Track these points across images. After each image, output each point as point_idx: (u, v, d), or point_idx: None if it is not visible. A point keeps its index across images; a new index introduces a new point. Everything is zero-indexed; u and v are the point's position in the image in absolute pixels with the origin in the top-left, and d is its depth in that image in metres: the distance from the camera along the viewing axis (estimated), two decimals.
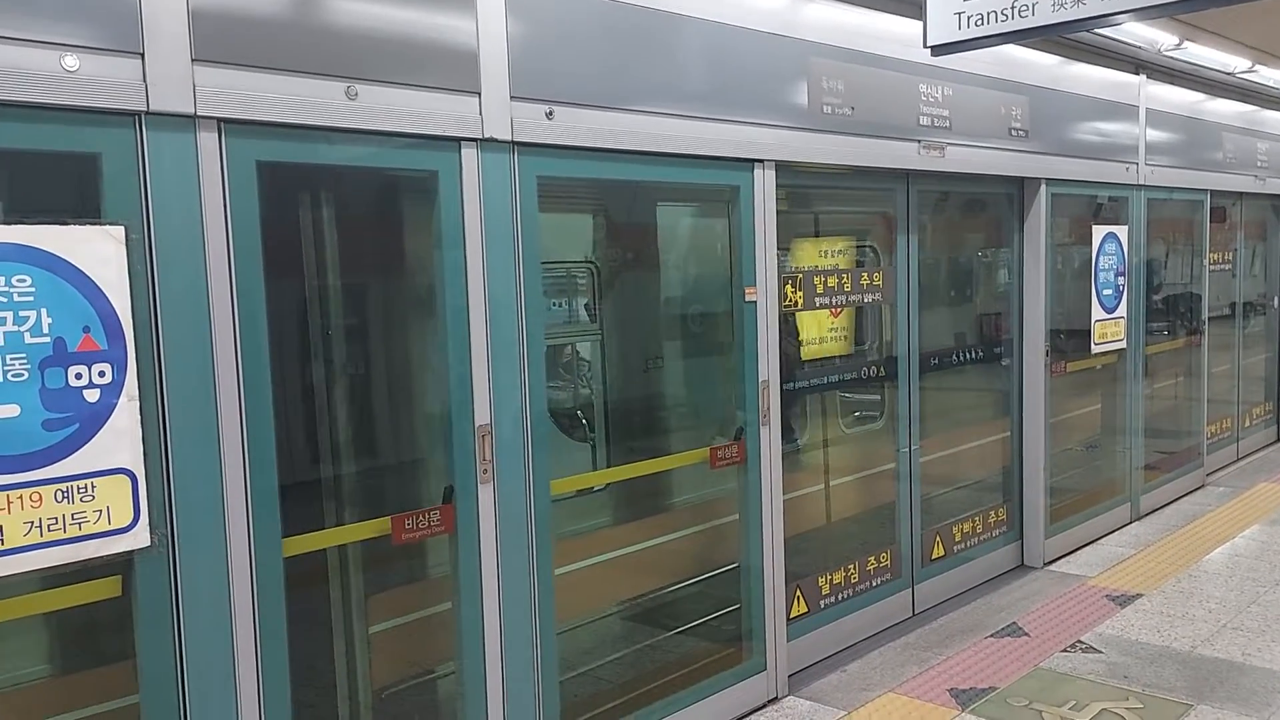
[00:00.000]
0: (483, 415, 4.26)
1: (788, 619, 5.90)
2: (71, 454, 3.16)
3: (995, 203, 7.90)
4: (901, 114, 6.35)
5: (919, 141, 6.48)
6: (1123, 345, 8.85)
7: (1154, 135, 9.03)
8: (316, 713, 4.72)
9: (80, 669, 4.22)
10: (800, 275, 5.96)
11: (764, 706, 5.65)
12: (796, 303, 5.91)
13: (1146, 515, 9.29)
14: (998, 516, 7.85)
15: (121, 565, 3.34)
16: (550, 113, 4.45)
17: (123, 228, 3.23)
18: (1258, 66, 9.51)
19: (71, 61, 3.13)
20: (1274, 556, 7.85)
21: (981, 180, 7.41)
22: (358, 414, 4.94)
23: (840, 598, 6.46)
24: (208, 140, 3.42)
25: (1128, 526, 9.00)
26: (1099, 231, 8.44)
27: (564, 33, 4.53)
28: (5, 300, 3.01)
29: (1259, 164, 11.09)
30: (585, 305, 6.47)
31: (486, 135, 4.20)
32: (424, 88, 4.00)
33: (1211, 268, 10.66)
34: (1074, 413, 8.99)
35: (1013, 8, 5.30)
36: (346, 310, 4.83)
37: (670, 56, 4.98)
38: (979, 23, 5.46)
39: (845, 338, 6.94)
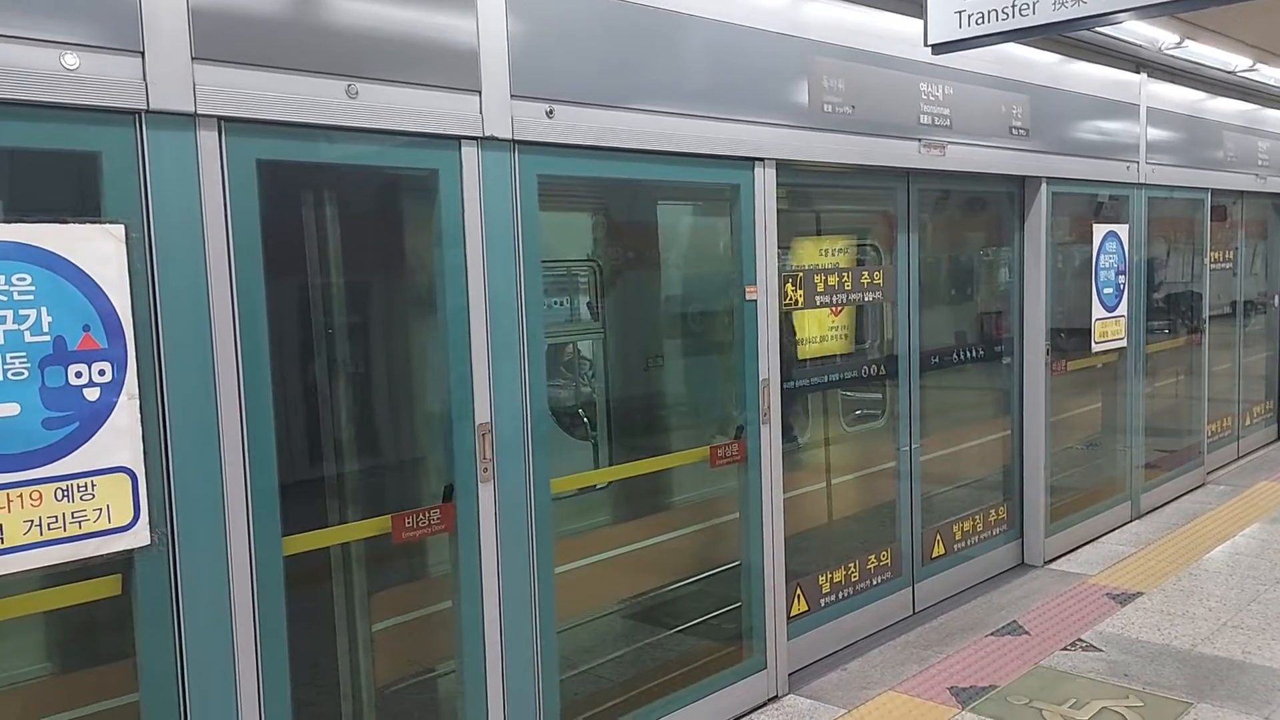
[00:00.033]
0: (483, 414, 4.26)
1: (788, 617, 5.90)
2: (71, 452, 3.16)
3: (996, 201, 7.90)
4: (902, 113, 6.35)
5: (920, 140, 6.48)
6: (1123, 344, 8.85)
7: (1155, 134, 9.03)
8: (317, 711, 4.72)
9: (80, 667, 4.22)
10: (801, 274, 5.96)
11: (764, 705, 5.65)
12: (797, 301, 5.91)
13: (1147, 514, 9.29)
14: (998, 515, 7.85)
15: (121, 564, 3.34)
16: (550, 111, 4.45)
17: (123, 226, 3.23)
18: (1258, 65, 9.51)
19: (71, 60, 3.13)
20: (1274, 555, 7.85)
21: (982, 179, 7.41)
22: (358, 412, 4.94)
23: (840, 596, 6.46)
24: (208, 139, 3.42)
25: (1128, 525, 9.00)
26: (1100, 230, 8.44)
27: (564, 31, 4.53)
28: (5, 299, 3.01)
29: (1260, 162, 11.08)
30: (588, 304, 6.47)
31: (487, 134, 4.20)
32: (424, 86, 4.00)
33: (1212, 266, 10.66)
34: (1074, 411, 8.99)
35: (1013, 6, 5.30)
36: (347, 309, 4.83)
37: (671, 55, 4.98)
38: (979, 21, 5.46)
39: (846, 336, 6.93)
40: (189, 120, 3.37)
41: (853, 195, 7.03)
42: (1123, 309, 8.74)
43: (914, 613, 7.02)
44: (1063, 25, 5.32)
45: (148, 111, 3.27)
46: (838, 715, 5.47)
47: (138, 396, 3.27)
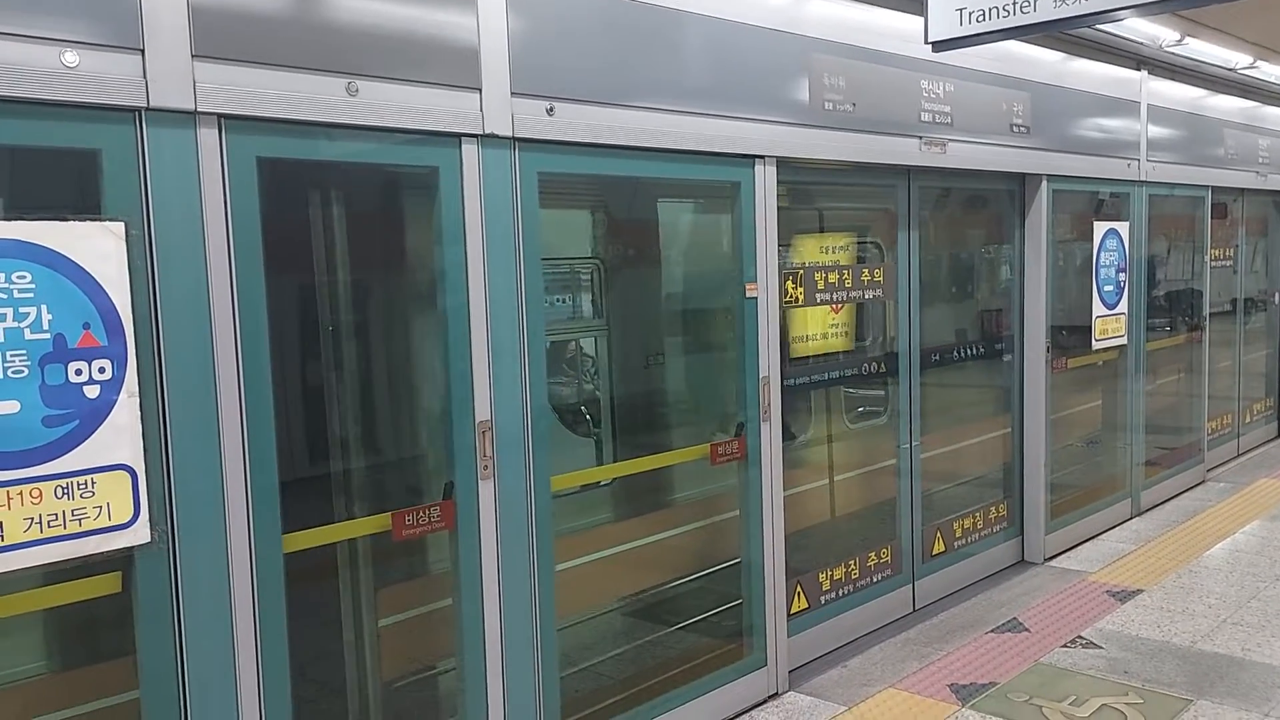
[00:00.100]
0: (483, 411, 4.26)
1: (788, 615, 5.90)
2: (71, 450, 3.16)
3: (997, 199, 7.90)
4: (903, 110, 6.34)
5: (920, 138, 6.47)
6: (1124, 341, 8.85)
7: (1155, 131, 9.02)
8: (319, 708, 4.73)
9: (81, 665, 4.22)
10: (801, 271, 5.96)
11: (765, 702, 5.65)
12: (797, 299, 5.91)
13: (1147, 511, 9.29)
14: (998, 512, 7.85)
15: (122, 561, 3.34)
16: (551, 109, 4.45)
17: (123, 224, 3.23)
18: (1259, 62, 9.51)
19: (72, 57, 3.13)
20: (1274, 552, 7.85)
21: (983, 176, 7.41)
22: (358, 410, 4.94)
23: (841, 593, 6.47)
24: (208, 136, 3.42)
25: (1128, 522, 9.00)
26: (1100, 227, 8.44)
27: (565, 29, 4.52)
28: (5, 296, 3.01)
29: (1260, 160, 11.08)
30: (591, 301, 6.47)
31: (487, 131, 4.20)
32: (425, 84, 4.00)
33: (1212, 264, 10.65)
34: (1075, 409, 8.99)
35: (1014, 4, 5.30)
36: (347, 306, 4.83)
37: (671, 52, 4.98)
38: (980, 19, 5.45)
39: (846, 334, 6.93)
40: (189, 118, 3.37)
41: (853, 193, 7.03)
42: (1123, 306, 8.74)
43: (914, 610, 7.03)
44: (1063, 22, 5.32)
45: (148, 109, 3.27)
46: (838, 712, 5.48)
47: (138, 394, 3.27)
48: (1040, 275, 7.82)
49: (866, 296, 6.51)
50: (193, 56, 3.37)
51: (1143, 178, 8.91)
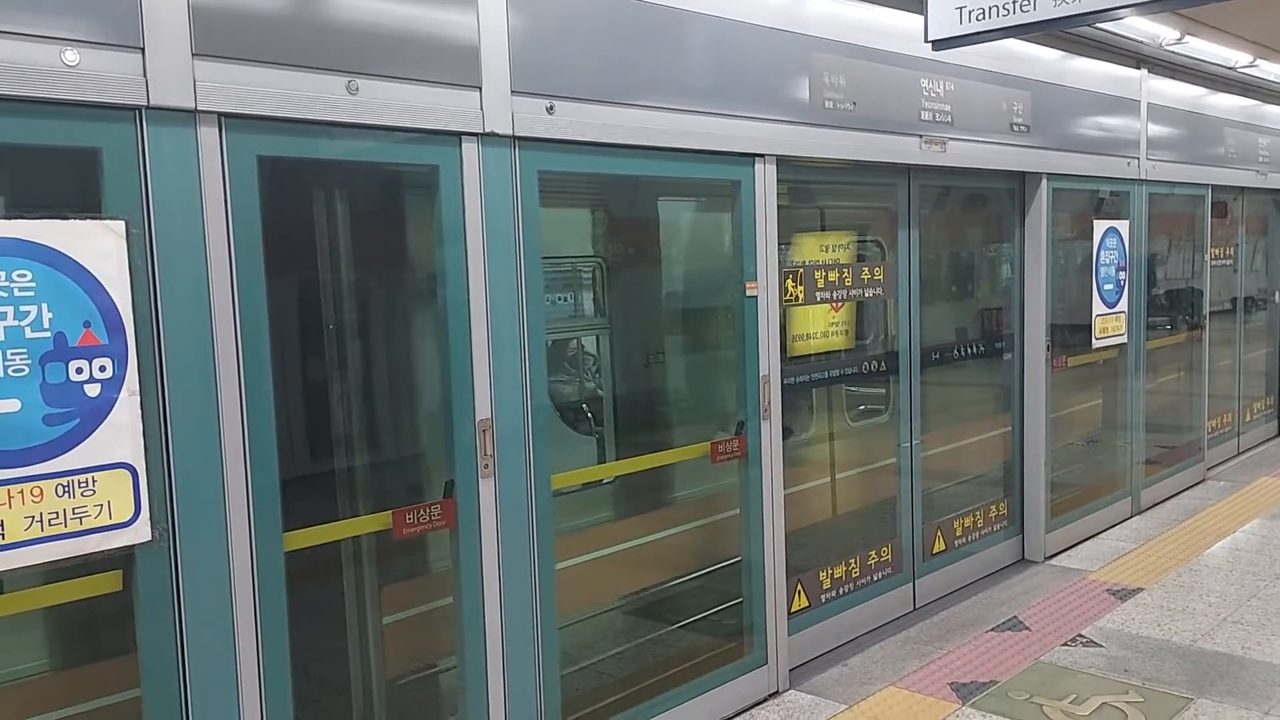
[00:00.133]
0: (483, 410, 4.26)
1: (789, 613, 5.90)
2: (72, 449, 3.16)
3: (997, 197, 7.90)
4: (903, 109, 6.34)
5: (920, 136, 6.48)
6: (1124, 340, 8.85)
7: (1155, 130, 9.02)
8: (321, 707, 4.73)
9: (82, 663, 4.23)
10: (801, 270, 5.96)
11: (765, 700, 5.66)
12: (797, 297, 5.91)
13: (1147, 510, 9.29)
14: (999, 511, 7.85)
15: (122, 560, 3.34)
16: (551, 107, 4.45)
17: (123, 222, 3.23)
18: (1259, 61, 9.51)
19: (72, 56, 3.13)
20: (1274, 551, 7.86)
21: (983, 175, 7.41)
22: (359, 408, 4.94)
23: (841, 592, 6.47)
24: (208, 135, 3.42)
25: (1128, 521, 9.00)
26: (1100, 226, 8.44)
27: (565, 27, 4.52)
28: (6, 295, 3.01)
29: (1260, 159, 11.08)
30: (593, 299, 6.47)
31: (487, 130, 4.20)
32: (425, 82, 4.00)
33: (1213, 263, 10.65)
34: (1075, 407, 8.99)
35: (1014, 2, 5.30)
36: (348, 305, 4.84)
37: (671, 51, 4.98)
38: (980, 17, 5.46)
39: (846, 332, 6.93)
40: (189, 116, 3.37)
41: (854, 191, 7.03)
42: (1123, 305, 8.74)
43: (915, 608, 7.03)
44: (1063, 21, 5.32)
45: (148, 108, 3.27)
46: (838, 711, 5.48)
47: (138, 393, 3.27)
48: (1040, 274, 7.82)
49: (866, 295, 6.51)
50: (193, 55, 3.37)
51: (1143, 176, 8.91)
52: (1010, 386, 8.03)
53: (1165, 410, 10.11)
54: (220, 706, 3.55)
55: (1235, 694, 5.46)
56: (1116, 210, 8.75)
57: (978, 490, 7.94)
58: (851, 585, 6.55)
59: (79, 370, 3.15)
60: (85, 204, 3.24)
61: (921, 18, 5.69)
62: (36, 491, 3.10)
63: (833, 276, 6.17)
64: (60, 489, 3.14)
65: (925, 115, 6.49)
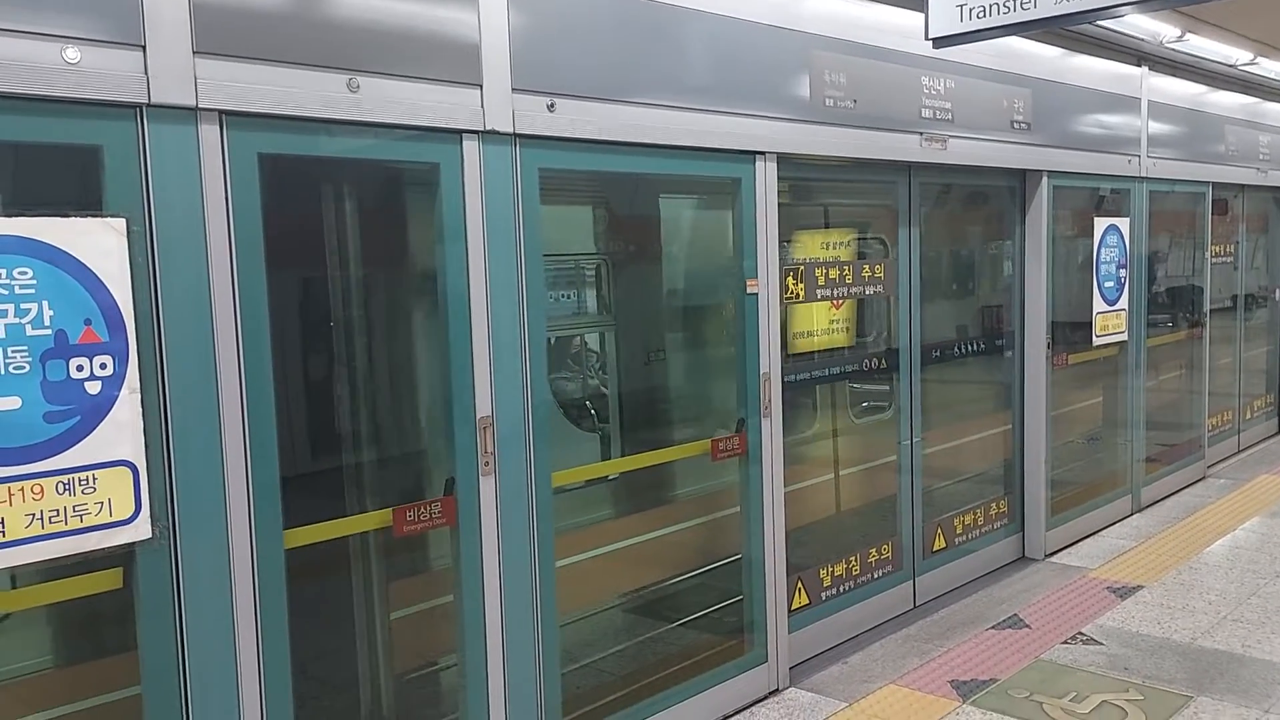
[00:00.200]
0: (484, 407, 4.26)
1: (789, 611, 5.91)
2: (73, 446, 3.16)
3: (997, 195, 7.90)
4: (903, 106, 6.34)
5: (921, 134, 6.47)
6: (1124, 337, 8.84)
7: (1156, 127, 9.02)
8: (321, 705, 4.74)
9: (82, 661, 4.23)
10: (802, 267, 5.95)
11: (765, 698, 5.66)
12: (798, 295, 5.91)
13: (1147, 507, 9.29)
14: (999, 509, 7.85)
15: (123, 557, 3.34)
16: (552, 105, 4.45)
17: (124, 220, 3.23)
18: (1259, 59, 9.51)
19: (73, 54, 3.13)
20: (1274, 549, 7.86)
21: (984, 173, 7.41)
22: (359, 406, 4.94)
23: (841, 590, 6.47)
24: (209, 132, 3.42)
25: (1129, 518, 9.00)
26: (1101, 224, 8.43)
27: (566, 25, 4.52)
28: (6, 292, 3.01)
29: (1261, 156, 11.07)
30: (598, 296, 6.47)
31: (488, 127, 4.20)
32: (425, 80, 4.00)
33: (1213, 260, 10.65)
34: (1075, 405, 8.99)
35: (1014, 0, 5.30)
36: (349, 302, 4.84)
37: (672, 49, 4.97)
38: (981, 15, 5.45)
39: (847, 330, 6.94)
40: (190, 114, 3.37)
41: (854, 189, 7.03)
42: (1124, 303, 8.74)
43: (915, 606, 7.03)
44: (1064, 19, 5.32)
45: (149, 105, 3.27)
46: (838, 708, 5.48)
47: (139, 390, 3.27)
48: (1041, 271, 7.82)
49: (867, 292, 6.51)
50: (194, 53, 3.37)
51: (1143, 174, 8.90)
52: (1011, 384, 8.03)
53: (1166, 408, 10.11)
54: (220, 704, 3.55)
55: (1235, 692, 5.46)
56: (1117, 208, 8.75)
57: (978, 488, 7.94)
58: (852, 583, 6.55)
59: (80, 368, 3.15)
60: (86, 201, 3.24)
61: (922, 15, 5.69)
62: (37, 489, 3.10)
63: (833, 274, 6.17)
64: (61, 486, 3.14)
65: (926, 113, 6.49)
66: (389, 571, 4.95)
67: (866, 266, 6.47)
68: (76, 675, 4.20)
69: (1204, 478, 10.35)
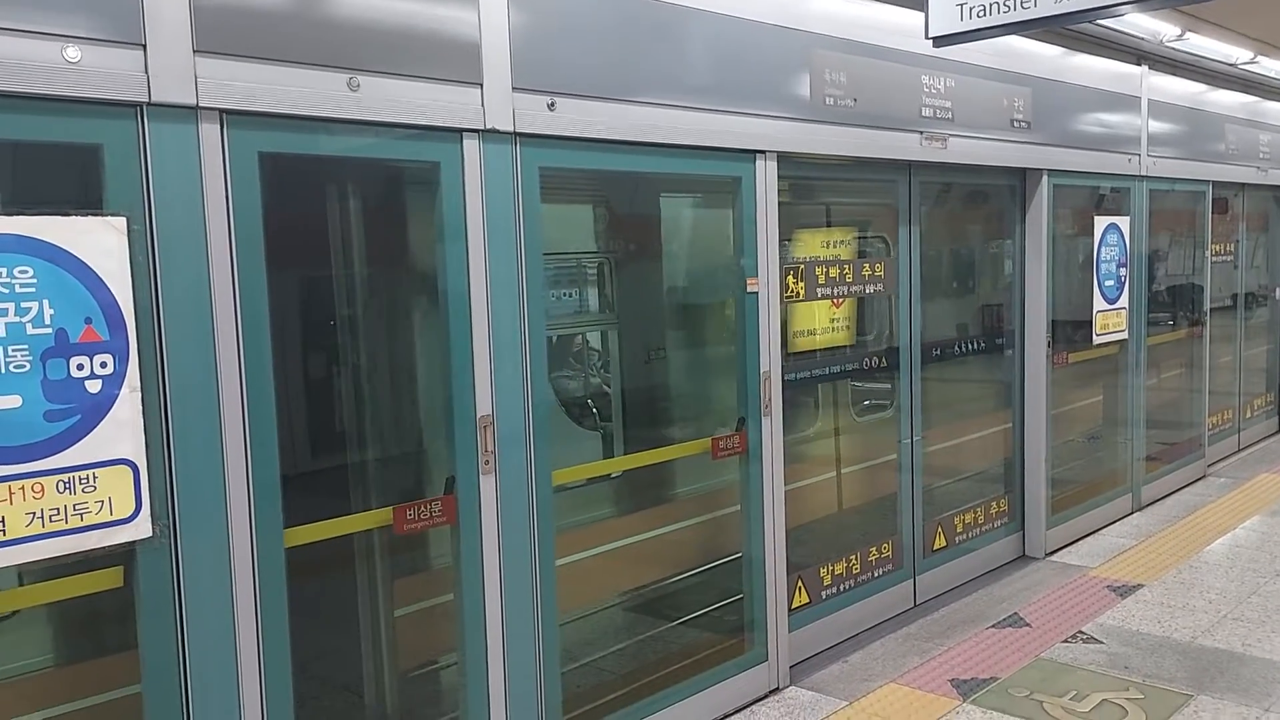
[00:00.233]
0: (484, 406, 4.26)
1: (789, 609, 5.91)
2: (73, 445, 3.16)
3: (997, 194, 7.90)
4: (904, 105, 6.34)
5: (921, 133, 6.47)
6: (1124, 336, 8.84)
7: (1156, 126, 9.02)
8: (321, 704, 4.74)
9: (82, 659, 4.23)
10: (802, 266, 5.95)
11: (766, 697, 5.66)
12: (798, 294, 5.91)
13: (1148, 506, 9.29)
14: (999, 507, 7.85)
15: (123, 556, 3.34)
16: (552, 104, 4.45)
17: (124, 219, 3.23)
18: (1259, 58, 9.51)
19: (73, 53, 3.13)
20: (1274, 547, 7.86)
21: (984, 171, 7.41)
22: (360, 404, 4.94)
23: (842, 588, 6.47)
24: (209, 131, 3.42)
25: (1129, 517, 9.00)
26: (1101, 222, 8.43)
27: (566, 24, 4.52)
28: (7, 291, 3.01)
29: (1261, 155, 11.07)
30: (599, 295, 6.47)
31: (488, 126, 4.20)
32: (426, 79, 4.00)
33: (1213, 259, 10.65)
34: (1075, 404, 8.99)
35: None
36: (350, 301, 4.84)
37: (672, 48, 4.97)
38: (981, 14, 5.46)
39: (847, 329, 6.94)
40: (190, 113, 3.37)
41: (854, 188, 7.03)
42: (1124, 301, 8.74)
43: (915, 605, 7.03)
44: (1064, 17, 5.32)
45: (149, 104, 3.27)
46: (839, 707, 5.48)
47: (139, 389, 3.27)
48: (1041, 270, 7.82)
49: (867, 291, 6.51)
50: (194, 52, 3.37)
51: (1143, 173, 8.90)
52: (1011, 383, 8.03)
53: (1166, 406, 10.11)
54: (221, 703, 3.55)
55: (1235, 691, 5.46)
56: (1117, 206, 8.75)
57: (978, 486, 7.94)
58: (852, 582, 6.55)
59: (80, 366, 3.16)
60: (87, 200, 3.24)
61: (922, 14, 5.69)
62: (37, 488, 3.10)
63: (834, 273, 6.17)
64: (61, 485, 3.14)
65: (926, 111, 6.49)
66: (389, 570, 4.95)
67: (867, 265, 6.47)
68: (77, 674, 4.20)
69: (1204, 476, 10.35)
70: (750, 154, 5.38)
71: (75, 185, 3.41)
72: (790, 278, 5.83)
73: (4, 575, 3.29)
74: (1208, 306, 10.49)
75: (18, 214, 3.06)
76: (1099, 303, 8.43)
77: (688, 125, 5.01)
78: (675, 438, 6.36)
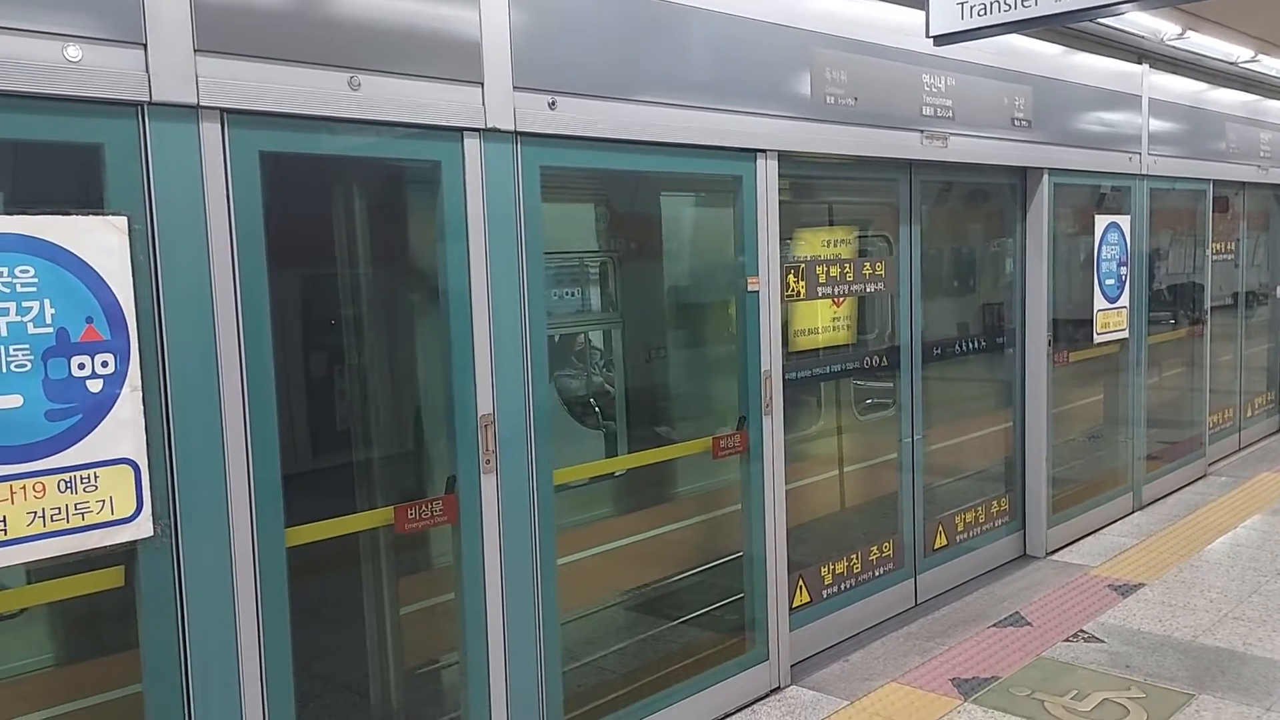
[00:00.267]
0: (485, 405, 4.26)
1: (790, 609, 5.90)
2: (74, 444, 3.16)
3: (998, 192, 7.89)
4: (904, 104, 6.34)
5: (922, 132, 6.47)
6: (1125, 335, 8.84)
7: (1157, 125, 9.02)
8: (323, 703, 4.74)
9: (84, 659, 4.23)
10: (803, 265, 5.95)
11: (767, 696, 5.66)
12: (799, 293, 5.91)
13: (1148, 505, 9.29)
14: (1000, 506, 7.85)
15: (124, 555, 3.34)
16: (553, 103, 4.45)
17: (125, 218, 3.23)
18: (1260, 56, 9.50)
19: (74, 52, 3.13)
20: (1275, 546, 7.86)
21: (984, 170, 7.40)
22: (361, 404, 4.94)
23: (843, 587, 6.47)
24: (210, 131, 3.42)
25: (1130, 516, 9.00)
26: (1102, 221, 8.43)
27: (567, 23, 4.52)
28: (8, 291, 3.01)
29: (1261, 154, 11.07)
30: (602, 294, 6.47)
31: (489, 125, 4.20)
32: (427, 78, 4.00)
33: (1214, 257, 10.65)
34: (1076, 403, 8.98)
35: None
36: (351, 300, 4.84)
37: (673, 47, 4.97)
38: (982, 12, 5.46)
39: (848, 327, 6.93)
40: (191, 112, 3.37)
41: (855, 187, 7.03)
42: (1124, 300, 8.74)
43: (916, 604, 7.03)
44: (1065, 16, 5.32)
45: (150, 103, 3.27)
46: (840, 706, 5.48)
47: (140, 388, 3.27)
48: (1041, 269, 7.81)
49: (868, 290, 6.50)
50: (195, 51, 3.37)
51: (1144, 171, 8.90)
52: (1012, 381, 8.03)
53: (1167, 405, 10.11)
54: (222, 702, 3.55)
55: (1237, 690, 5.46)
56: (1118, 205, 8.75)
57: (979, 485, 7.94)
58: (853, 581, 6.55)
59: (81, 366, 3.15)
60: (88, 199, 3.24)
61: (923, 13, 5.69)
62: (39, 487, 3.10)
63: (834, 271, 6.17)
64: (62, 484, 3.14)
65: (927, 110, 6.49)
66: (390, 569, 4.95)
67: (867, 264, 6.47)
68: (78, 673, 4.20)
69: (1205, 475, 10.34)
70: (751, 153, 5.38)
71: (76, 185, 3.41)
72: (791, 276, 5.83)
73: (14, 573, 3.30)
74: (1208, 305, 10.49)
75: (19, 213, 3.06)
76: (1100, 301, 8.43)
77: (688, 124, 5.01)
78: (677, 437, 6.36)
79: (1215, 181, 10.32)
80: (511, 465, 4.38)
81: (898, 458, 6.97)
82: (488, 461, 4.28)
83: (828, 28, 5.75)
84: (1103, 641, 6.14)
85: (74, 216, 3.14)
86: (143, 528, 3.31)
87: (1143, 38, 8.23)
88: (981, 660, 5.93)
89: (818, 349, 6.70)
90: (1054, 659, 5.91)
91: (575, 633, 5.51)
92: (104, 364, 3.20)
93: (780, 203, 5.56)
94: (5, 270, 3.00)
